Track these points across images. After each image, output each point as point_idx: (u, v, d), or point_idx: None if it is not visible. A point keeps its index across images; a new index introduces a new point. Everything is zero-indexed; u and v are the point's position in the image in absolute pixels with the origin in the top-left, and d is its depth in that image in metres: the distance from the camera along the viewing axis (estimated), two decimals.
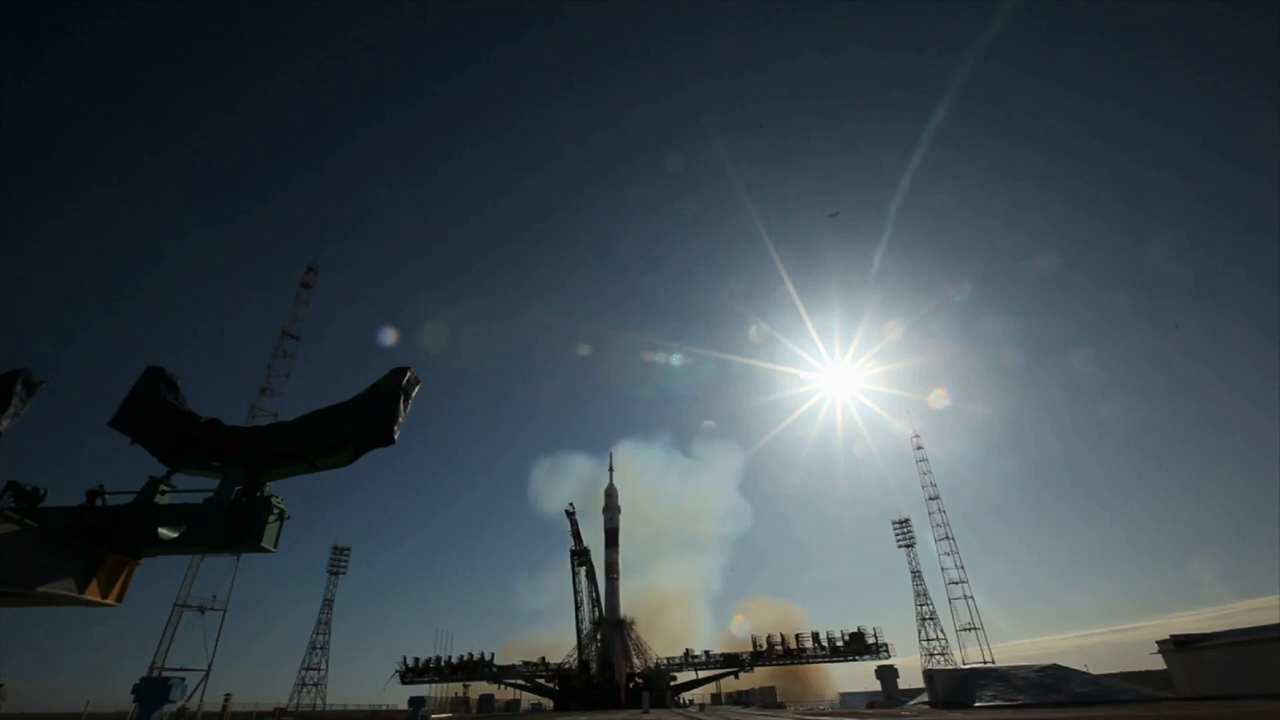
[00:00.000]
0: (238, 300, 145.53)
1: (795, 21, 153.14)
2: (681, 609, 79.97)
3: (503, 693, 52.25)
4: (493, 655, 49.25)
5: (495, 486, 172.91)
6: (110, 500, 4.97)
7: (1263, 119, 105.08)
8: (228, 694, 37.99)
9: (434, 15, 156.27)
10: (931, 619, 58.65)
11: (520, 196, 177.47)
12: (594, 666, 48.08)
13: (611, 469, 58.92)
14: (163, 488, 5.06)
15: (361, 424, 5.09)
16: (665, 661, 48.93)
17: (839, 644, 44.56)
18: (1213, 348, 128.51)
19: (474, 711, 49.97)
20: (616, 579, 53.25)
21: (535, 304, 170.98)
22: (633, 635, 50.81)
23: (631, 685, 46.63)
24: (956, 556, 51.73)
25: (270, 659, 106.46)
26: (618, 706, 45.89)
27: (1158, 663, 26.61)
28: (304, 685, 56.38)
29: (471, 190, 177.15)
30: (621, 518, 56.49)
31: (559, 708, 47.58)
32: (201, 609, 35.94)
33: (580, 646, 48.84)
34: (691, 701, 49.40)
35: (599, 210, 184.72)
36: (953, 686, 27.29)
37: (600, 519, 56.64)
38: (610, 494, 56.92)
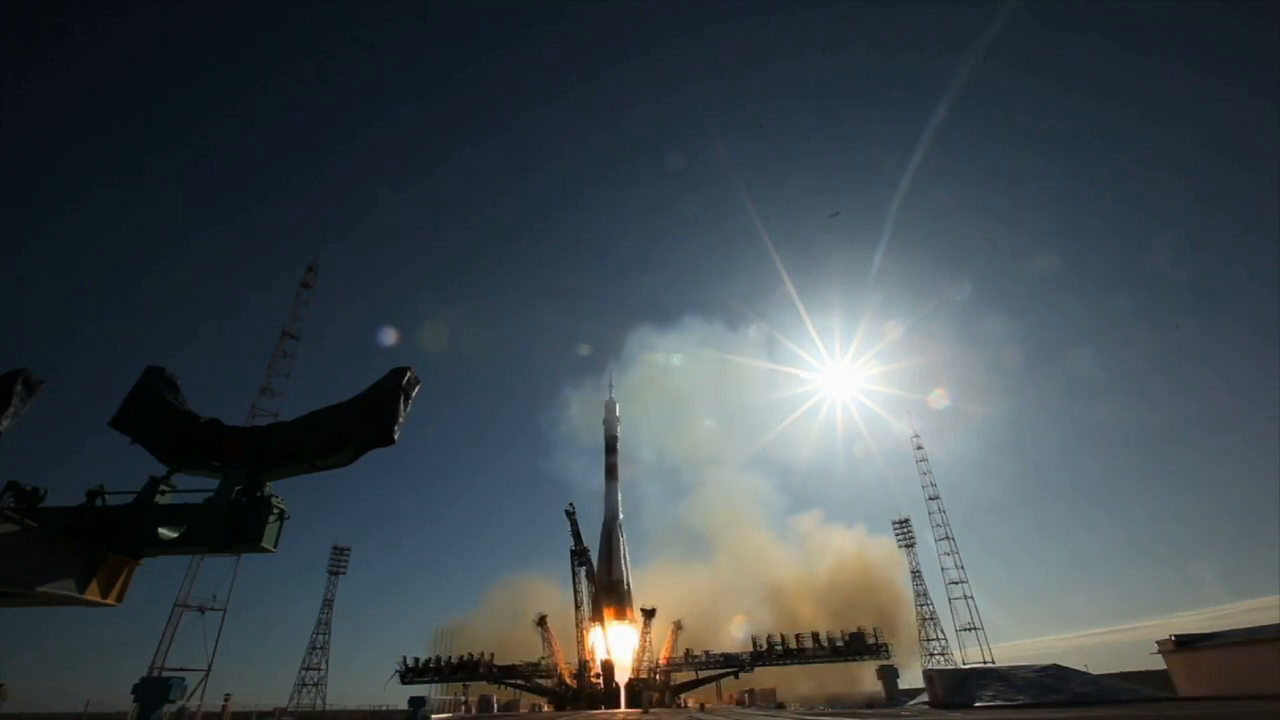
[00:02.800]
0: (238, 300, 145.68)
1: (795, 21, 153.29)
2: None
3: (502, 693, 52.20)
4: (492, 655, 49.25)
5: (496, 486, 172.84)
6: (110, 500, 4.97)
7: (1263, 119, 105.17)
8: (228, 694, 38.08)
9: (434, 15, 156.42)
10: (931, 619, 58.65)
11: (520, 196, 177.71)
12: (593, 666, 48.12)
13: (611, 385, 66.38)
14: (163, 488, 5.06)
15: (361, 424, 5.09)
16: (665, 662, 48.88)
17: (839, 644, 44.54)
18: (1213, 348, 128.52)
19: (473, 712, 49.96)
20: (616, 482, 58.69)
21: (535, 304, 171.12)
22: (646, 627, 50.45)
23: (632, 685, 46.67)
24: (956, 556, 51.82)
25: (270, 659, 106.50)
26: (617, 706, 45.90)
27: (1158, 663, 26.58)
28: (304, 685, 56.39)
29: (471, 190, 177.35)
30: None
31: (558, 708, 47.59)
32: (201, 609, 35.95)
33: (580, 646, 48.86)
34: (687, 704, 49.37)
35: (599, 210, 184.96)
36: (953, 686, 27.27)
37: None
38: (609, 406, 63.34)
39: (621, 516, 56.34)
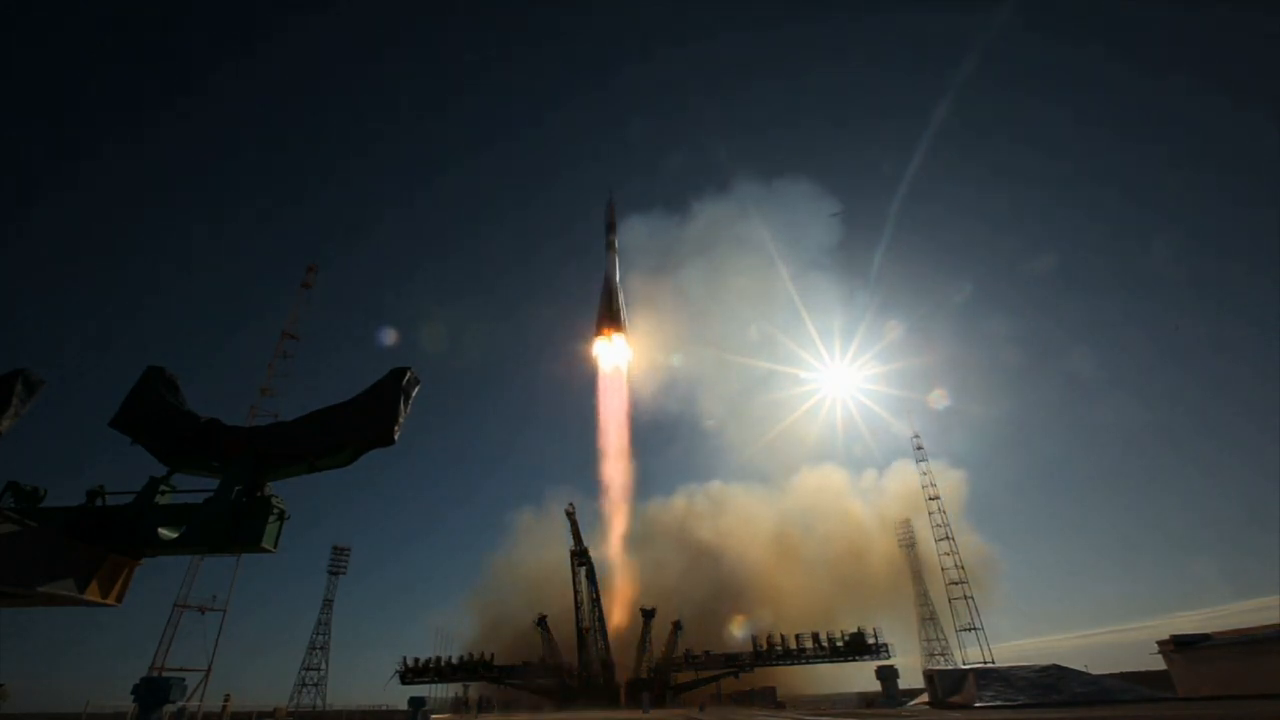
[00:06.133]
0: (238, 300, 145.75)
1: (796, 22, 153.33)
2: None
3: (502, 693, 52.18)
4: (493, 655, 49.24)
5: (496, 486, 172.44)
6: (110, 500, 4.97)
7: (1263, 119, 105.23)
8: (227, 694, 38.04)
9: (440, 23, 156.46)
10: (931, 619, 58.68)
11: (522, 198, 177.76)
12: (595, 665, 48.13)
13: (611, 191, 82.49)
14: (163, 488, 5.06)
15: (362, 424, 5.09)
16: (663, 660, 48.90)
17: (839, 644, 44.51)
18: (1212, 348, 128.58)
19: (474, 712, 49.95)
20: (614, 252, 74.40)
21: (536, 304, 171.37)
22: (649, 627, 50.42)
23: (632, 685, 46.69)
24: (956, 556, 51.72)
25: (270, 659, 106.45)
26: (617, 706, 45.92)
27: (1158, 663, 26.46)
28: (304, 685, 56.46)
29: (472, 190, 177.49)
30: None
31: (558, 707, 47.57)
32: (201, 609, 35.93)
33: (580, 646, 48.83)
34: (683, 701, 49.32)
35: (599, 211, 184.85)
36: (952, 687, 27.26)
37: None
38: (610, 206, 78.94)
39: (619, 276, 73.46)
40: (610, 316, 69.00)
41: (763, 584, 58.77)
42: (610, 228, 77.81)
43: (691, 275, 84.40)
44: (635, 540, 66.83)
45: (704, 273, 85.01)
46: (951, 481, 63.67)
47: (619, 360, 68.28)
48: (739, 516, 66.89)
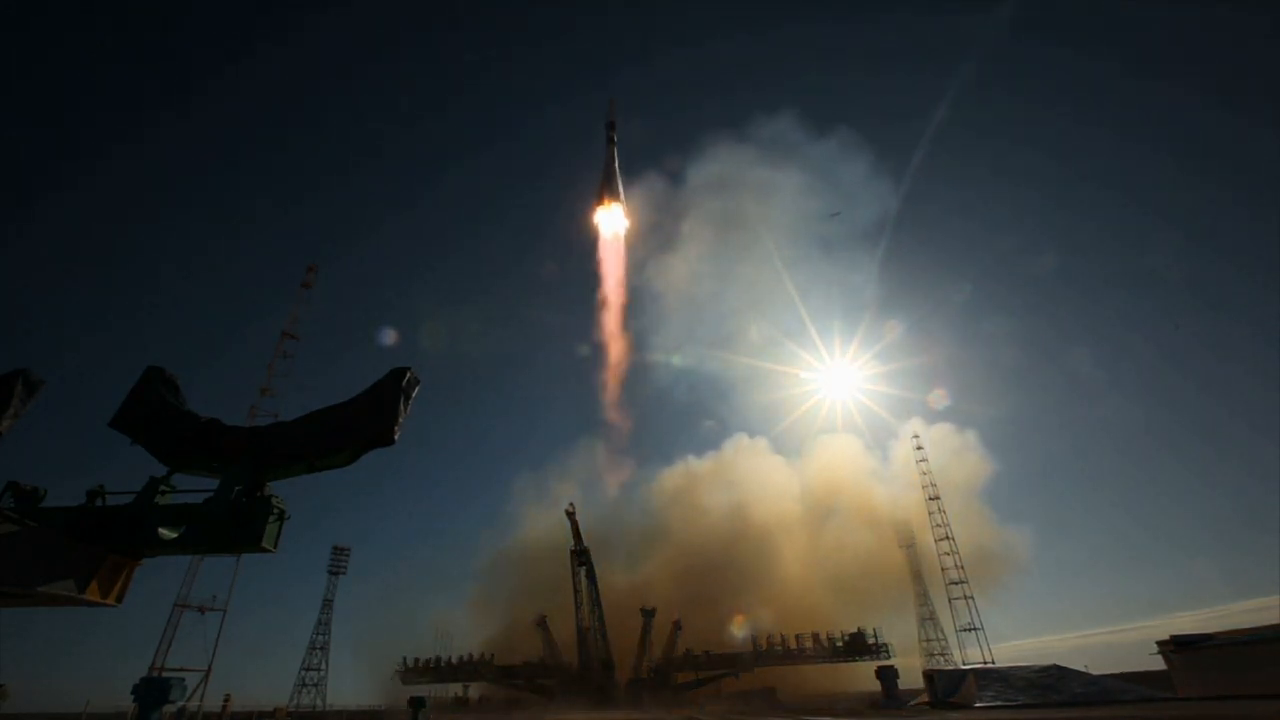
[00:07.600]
0: (238, 300, 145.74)
1: (797, 22, 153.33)
2: None
3: (502, 692, 52.19)
4: (493, 655, 49.21)
5: (498, 486, 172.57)
6: (110, 500, 4.97)
7: (1263, 119, 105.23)
8: (227, 694, 38.05)
9: (440, 23, 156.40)
10: (931, 619, 58.61)
11: (523, 198, 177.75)
12: (595, 665, 48.11)
13: (612, 103, 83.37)
14: (163, 488, 5.06)
15: (362, 424, 5.09)
16: (663, 659, 48.89)
17: (839, 644, 44.51)
18: (1213, 347, 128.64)
19: (474, 712, 49.94)
20: (614, 146, 78.42)
21: (537, 304, 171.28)
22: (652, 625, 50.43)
23: (632, 685, 46.71)
24: (956, 556, 51.68)
25: (270, 659, 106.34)
26: (617, 706, 45.90)
27: (1158, 663, 26.42)
28: (304, 685, 56.36)
29: (472, 190, 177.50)
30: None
31: (558, 707, 47.58)
32: (201, 609, 35.90)
33: (580, 645, 48.80)
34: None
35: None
36: (952, 687, 27.23)
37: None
38: (611, 104, 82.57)
39: (617, 163, 78.04)
40: (609, 189, 77.23)
41: (766, 574, 58.85)
42: (610, 126, 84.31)
43: (690, 272, 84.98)
44: (636, 520, 68.11)
45: (703, 271, 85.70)
46: (973, 461, 64.94)
47: (617, 228, 77.45)
48: (750, 491, 67.65)
